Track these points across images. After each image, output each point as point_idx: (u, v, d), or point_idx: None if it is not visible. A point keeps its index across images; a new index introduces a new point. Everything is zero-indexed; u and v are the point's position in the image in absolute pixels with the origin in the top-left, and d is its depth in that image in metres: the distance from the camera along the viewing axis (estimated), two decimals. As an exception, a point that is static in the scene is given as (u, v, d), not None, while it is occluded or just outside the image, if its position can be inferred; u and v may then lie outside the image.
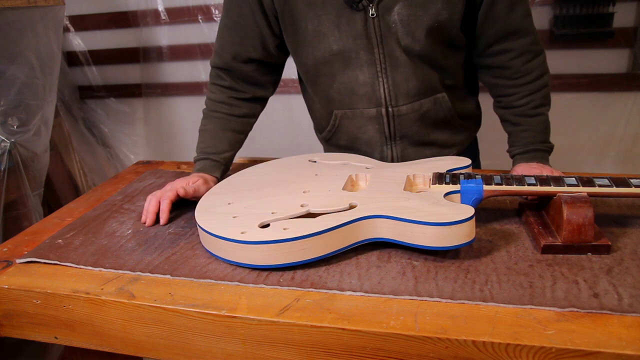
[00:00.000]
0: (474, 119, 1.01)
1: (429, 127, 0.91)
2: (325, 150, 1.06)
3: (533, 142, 0.88)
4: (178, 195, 0.80)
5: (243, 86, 0.94)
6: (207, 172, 0.88)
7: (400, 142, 0.91)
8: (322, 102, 0.95)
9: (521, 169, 0.85)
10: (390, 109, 0.87)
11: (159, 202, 0.79)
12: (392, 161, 0.94)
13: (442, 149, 0.95)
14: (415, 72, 0.84)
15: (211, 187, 0.83)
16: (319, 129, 1.03)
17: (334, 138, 0.97)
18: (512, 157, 0.90)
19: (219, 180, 0.89)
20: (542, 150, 0.89)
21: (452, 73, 0.89)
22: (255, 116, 0.98)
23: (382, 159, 0.94)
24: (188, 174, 0.99)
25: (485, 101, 1.00)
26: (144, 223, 0.79)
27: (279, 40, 0.91)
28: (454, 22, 0.81)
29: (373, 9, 0.79)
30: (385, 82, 0.85)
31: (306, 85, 0.96)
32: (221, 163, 0.90)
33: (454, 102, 0.91)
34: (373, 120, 0.90)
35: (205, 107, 0.96)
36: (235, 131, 0.94)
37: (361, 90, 0.87)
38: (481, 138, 1.09)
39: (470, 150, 1.04)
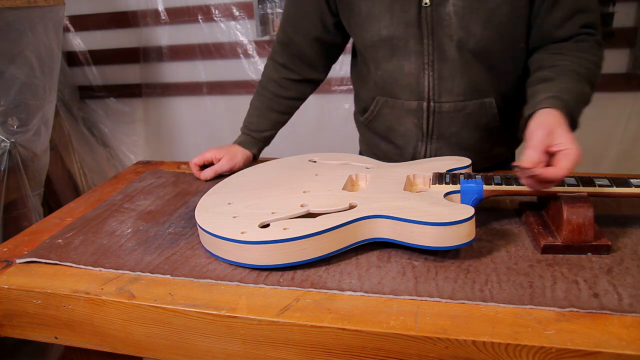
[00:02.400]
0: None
1: (469, 132, 0.87)
2: (362, 136, 1.04)
3: (567, 92, 0.71)
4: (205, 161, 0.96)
5: (296, 65, 0.97)
6: (245, 146, 0.98)
7: (436, 141, 0.88)
8: (367, 85, 0.93)
9: (533, 122, 0.67)
10: (431, 104, 0.84)
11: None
12: (424, 157, 0.91)
13: (479, 159, 0.88)
14: (464, 69, 0.81)
15: (237, 162, 0.95)
16: (360, 112, 1.00)
17: (372, 124, 0.95)
18: (528, 116, 0.71)
19: (255, 155, 1.00)
20: (571, 106, 0.69)
21: (507, 78, 0.85)
22: (303, 99, 1.03)
23: (415, 154, 0.91)
24: (189, 174, 0.99)
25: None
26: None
27: (336, 18, 0.90)
28: (515, 19, 0.77)
29: None
30: (430, 76, 0.82)
31: (360, 64, 0.94)
32: (260, 140, 0.99)
33: (503, 111, 0.86)
34: (412, 114, 0.87)
35: (260, 80, 1.01)
36: (280, 112, 1.00)
37: (404, 81, 0.85)
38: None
39: (506, 166, 0.99)
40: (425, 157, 0.91)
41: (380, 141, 0.96)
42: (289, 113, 1.02)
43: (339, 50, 1.00)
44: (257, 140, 0.99)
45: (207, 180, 0.95)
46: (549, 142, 0.61)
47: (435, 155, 0.90)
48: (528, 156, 0.61)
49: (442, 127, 0.87)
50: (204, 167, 0.97)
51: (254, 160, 1.01)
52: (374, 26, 0.82)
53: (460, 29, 0.78)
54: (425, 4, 0.77)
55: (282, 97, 0.98)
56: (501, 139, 0.91)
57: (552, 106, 0.68)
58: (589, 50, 0.78)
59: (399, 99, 0.87)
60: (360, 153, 1.09)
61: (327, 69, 1.01)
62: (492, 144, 0.91)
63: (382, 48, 0.84)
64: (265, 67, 1.00)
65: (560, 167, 0.59)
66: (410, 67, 0.83)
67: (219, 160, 0.95)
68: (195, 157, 0.96)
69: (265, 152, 1.05)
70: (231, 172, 0.94)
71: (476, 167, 0.87)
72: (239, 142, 0.98)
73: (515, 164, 0.65)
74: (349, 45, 1.00)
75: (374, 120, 0.94)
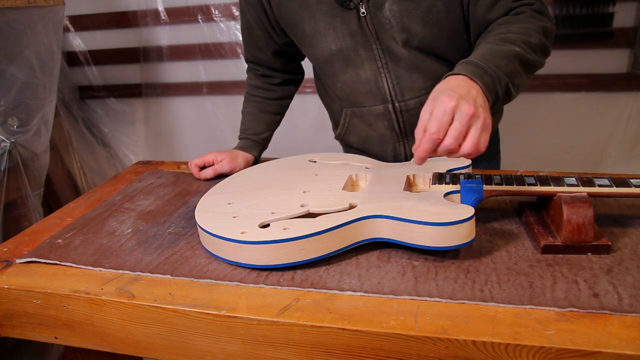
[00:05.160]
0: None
1: None
2: (345, 151, 1.07)
3: (479, 56, 0.68)
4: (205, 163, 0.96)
5: (274, 73, 1.02)
6: (246, 150, 0.99)
7: (412, 137, 0.90)
8: (333, 100, 0.96)
9: (436, 86, 0.64)
10: (397, 104, 0.87)
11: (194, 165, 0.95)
12: (407, 158, 0.93)
13: None
14: (418, 64, 0.83)
15: (238, 164, 0.95)
16: (336, 126, 1.03)
17: (347, 137, 0.98)
18: None
19: (257, 158, 1.01)
20: (482, 69, 0.65)
21: None
22: (290, 97, 1.07)
23: (396, 156, 0.93)
24: (189, 174, 0.99)
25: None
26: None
27: (286, 39, 0.93)
28: (452, 12, 0.79)
29: (364, 7, 0.79)
30: (388, 78, 0.84)
31: (320, 81, 0.98)
32: (259, 142, 1.02)
33: None
34: (382, 117, 0.89)
35: (245, 92, 1.05)
36: (272, 113, 1.03)
37: (365, 88, 0.87)
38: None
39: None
40: (406, 156, 0.93)
41: (360, 154, 0.98)
42: (280, 113, 1.05)
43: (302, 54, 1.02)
44: (256, 142, 1.01)
45: (207, 180, 0.95)
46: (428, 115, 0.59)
47: None
48: (415, 144, 0.60)
49: (414, 123, 0.87)
50: (204, 168, 0.97)
51: (255, 164, 1.01)
52: (322, 43, 0.85)
53: (401, 30, 0.80)
54: (363, 13, 0.80)
55: (271, 98, 1.02)
56: None
57: (453, 73, 0.65)
58: (524, 20, 0.75)
59: (365, 107, 0.89)
60: None
61: (299, 69, 1.06)
62: None
63: (335, 62, 0.86)
64: (247, 78, 1.04)
65: (446, 137, 0.58)
66: (366, 74, 0.85)
67: (220, 162, 0.95)
68: (195, 157, 0.96)
69: (265, 152, 1.05)
70: (231, 173, 0.94)
71: None
72: (240, 147, 1.00)
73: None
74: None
75: (347, 134, 0.97)
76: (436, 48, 0.82)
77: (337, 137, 1.03)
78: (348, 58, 0.85)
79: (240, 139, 1.02)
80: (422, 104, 0.84)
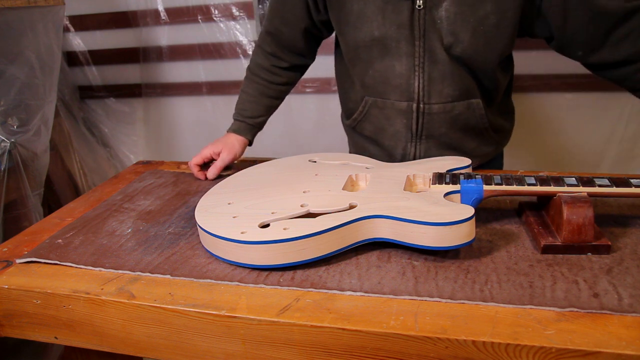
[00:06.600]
0: (505, 133, 0.98)
1: (458, 132, 0.89)
2: (349, 139, 1.05)
3: None
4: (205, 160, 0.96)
5: (284, 54, 0.98)
6: (241, 134, 0.98)
7: (425, 141, 0.89)
8: (356, 86, 0.94)
9: None
10: (421, 105, 0.86)
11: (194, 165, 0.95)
12: (414, 159, 0.92)
13: (467, 157, 0.91)
14: (453, 72, 0.82)
15: (236, 151, 0.96)
16: (347, 115, 1.01)
17: (360, 126, 0.96)
18: None
19: (250, 141, 1.00)
20: None
21: (492, 81, 0.86)
22: (293, 84, 1.04)
23: (404, 155, 0.92)
24: (189, 174, 0.99)
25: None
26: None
27: (325, 16, 0.91)
28: (502, 29, 0.78)
29: (421, 1, 0.78)
30: (421, 77, 0.84)
31: (347, 65, 0.95)
32: (255, 126, 1.00)
33: (489, 111, 0.88)
34: (402, 114, 0.88)
35: (249, 66, 1.02)
36: (273, 97, 1.01)
37: (395, 82, 0.86)
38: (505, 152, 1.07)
39: (495, 162, 1.01)
40: (414, 157, 0.92)
41: (369, 144, 0.97)
42: (280, 98, 1.03)
43: (326, 37, 1.01)
44: (252, 126, 1.00)
45: (206, 180, 0.95)
46: None
47: (424, 156, 0.91)
48: None
49: (431, 127, 0.88)
50: (204, 166, 0.96)
51: (249, 145, 1.02)
52: (366, 26, 0.83)
53: (449, 34, 0.79)
54: (419, 6, 0.78)
55: (273, 83, 1.00)
56: (489, 138, 0.92)
57: None
58: None
59: (389, 100, 0.88)
60: None
61: (314, 54, 1.03)
62: (480, 143, 0.92)
63: (374, 48, 0.84)
64: (254, 53, 1.01)
65: None
66: (401, 68, 0.84)
67: (219, 154, 0.94)
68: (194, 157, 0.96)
69: (265, 152, 1.05)
70: (234, 161, 0.96)
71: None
72: (234, 130, 0.98)
73: None
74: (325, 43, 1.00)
75: (362, 122, 0.95)
76: (475, 60, 0.82)
77: (347, 125, 1.01)
78: (388, 48, 0.83)
79: (235, 119, 1.00)
80: (445, 111, 0.86)
